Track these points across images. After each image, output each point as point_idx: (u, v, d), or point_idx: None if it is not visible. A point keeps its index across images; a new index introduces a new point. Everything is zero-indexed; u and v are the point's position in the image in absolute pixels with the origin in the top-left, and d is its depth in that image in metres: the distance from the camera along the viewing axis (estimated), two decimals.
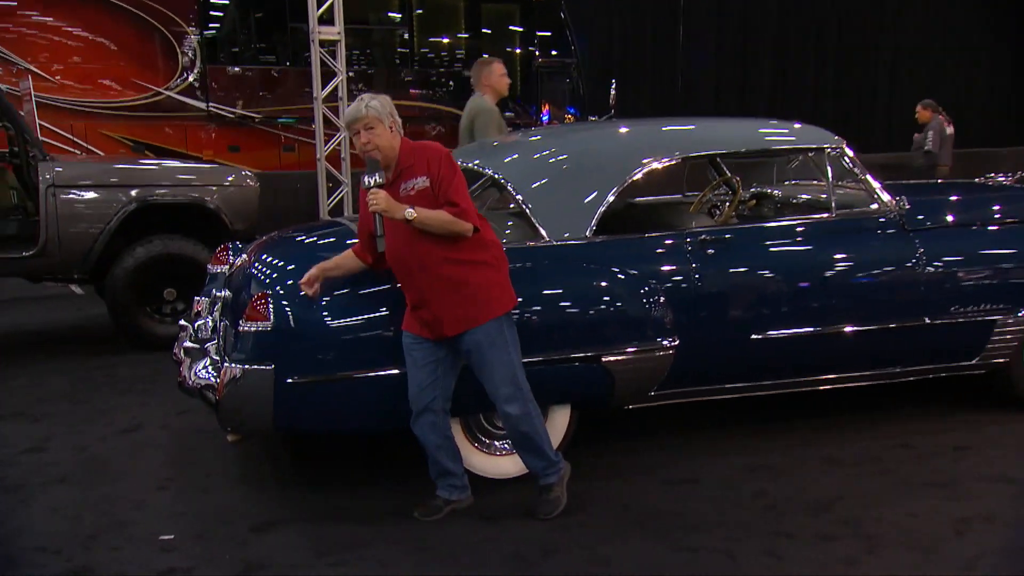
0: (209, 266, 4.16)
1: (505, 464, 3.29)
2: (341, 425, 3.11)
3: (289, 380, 2.93)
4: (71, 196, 5.27)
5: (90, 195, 5.31)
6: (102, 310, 6.75)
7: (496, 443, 3.31)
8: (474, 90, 4.90)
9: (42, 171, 5.27)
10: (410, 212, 2.76)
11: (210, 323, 3.71)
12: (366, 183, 2.79)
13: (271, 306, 2.94)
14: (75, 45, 8.99)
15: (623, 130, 3.94)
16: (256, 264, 3.46)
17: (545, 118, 12.03)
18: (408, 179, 2.86)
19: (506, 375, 2.90)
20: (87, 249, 5.26)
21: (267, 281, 3.20)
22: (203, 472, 3.52)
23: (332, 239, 3.55)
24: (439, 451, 3.03)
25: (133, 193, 5.36)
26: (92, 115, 8.68)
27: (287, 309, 2.97)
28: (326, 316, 2.99)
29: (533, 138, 4.18)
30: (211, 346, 3.49)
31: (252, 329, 2.95)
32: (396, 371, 2.99)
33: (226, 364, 2.96)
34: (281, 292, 3.01)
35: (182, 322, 3.83)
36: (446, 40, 11.65)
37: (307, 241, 3.40)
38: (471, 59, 11.98)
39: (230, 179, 5.65)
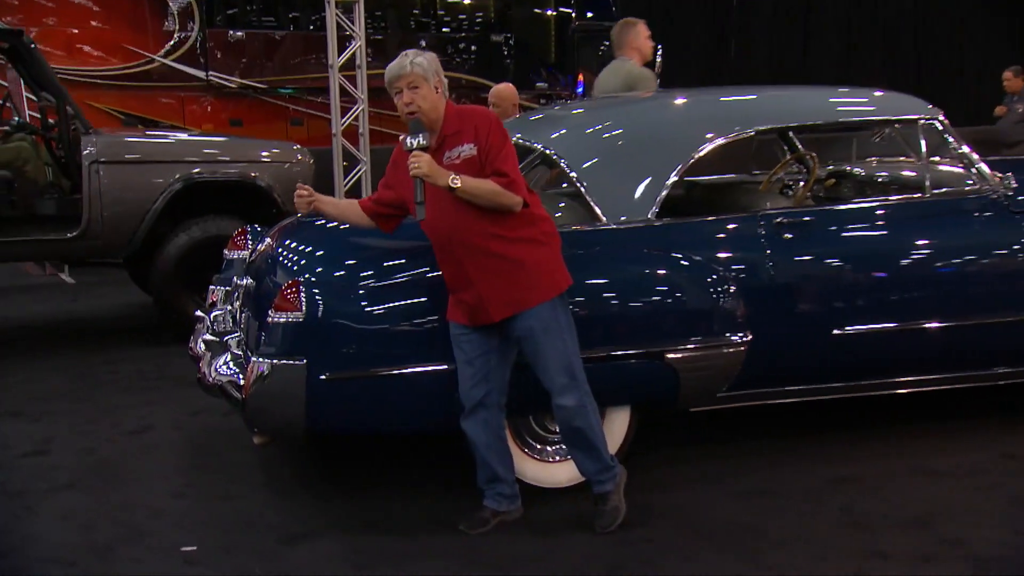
0: (226, 251, 4.25)
1: (558, 472, 3.34)
2: (381, 426, 3.17)
3: (323, 376, 3.00)
4: (115, 172, 5.37)
5: (136, 171, 5.42)
6: (99, 301, 6.92)
7: (549, 448, 3.36)
8: (616, 54, 4.80)
9: (85, 145, 5.37)
10: (454, 179, 2.79)
11: (230, 314, 3.79)
12: (407, 144, 2.82)
13: (303, 295, 3.00)
14: (55, 6, 9.02)
15: (682, 101, 3.96)
16: (282, 250, 3.52)
17: (580, 90, 11.99)
18: (453, 146, 2.89)
19: (561, 363, 2.95)
20: (132, 230, 5.35)
21: (297, 268, 3.26)
22: (224, 477, 3.60)
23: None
24: (490, 452, 3.08)
25: (181, 169, 5.47)
26: (76, 84, 8.77)
27: (321, 298, 3.03)
28: (364, 305, 3.05)
29: (581, 111, 4.22)
30: (232, 339, 3.56)
31: (282, 320, 3.02)
32: (444, 366, 3.05)
33: (253, 359, 3.03)
34: (313, 280, 3.07)
35: (198, 313, 3.91)
36: (469, 2, 11.64)
37: (337, 226, 3.47)
38: (498, 23, 11.99)
39: (283, 155, 5.74)
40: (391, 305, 3.07)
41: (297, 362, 3.00)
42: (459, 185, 2.79)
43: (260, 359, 3.03)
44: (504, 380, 3.04)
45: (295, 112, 12.14)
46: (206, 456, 3.85)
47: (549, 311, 2.93)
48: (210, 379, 3.38)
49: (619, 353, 3.22)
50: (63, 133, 5.64)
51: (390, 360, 3.04)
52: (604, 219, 3.37)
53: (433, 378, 3.07)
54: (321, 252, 3.33)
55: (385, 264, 3.14)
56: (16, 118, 6.03)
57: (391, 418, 3.13)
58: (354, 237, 3.28)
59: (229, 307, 3.96)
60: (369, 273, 3.12)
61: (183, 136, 6.84)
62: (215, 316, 3.88)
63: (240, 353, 3.47)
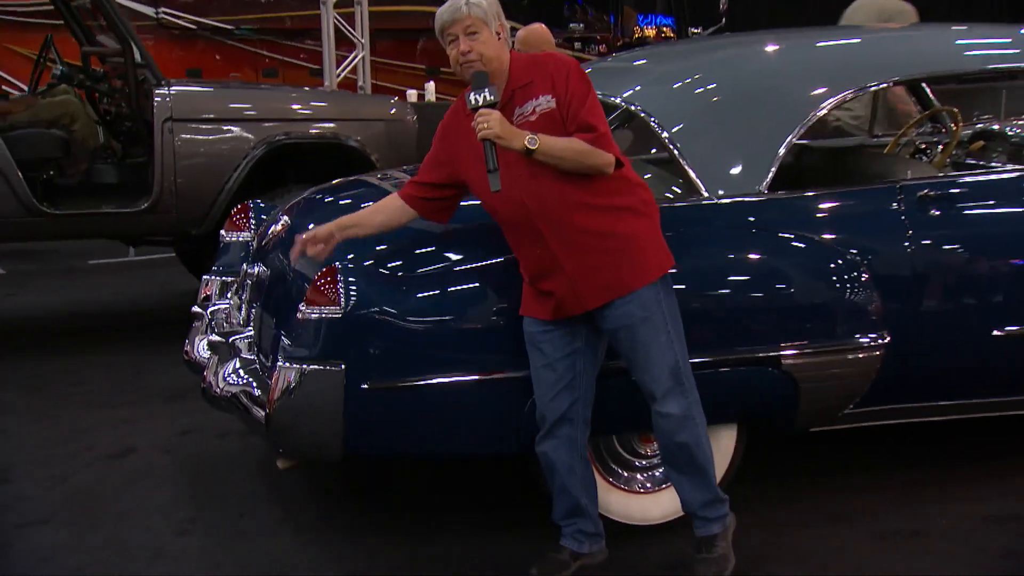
0: (223, 233, 4.31)
1: (649, 506, 3.38)
2: (436, 448, 3.21)
3: (365, 385, 3.03)
4: (193, 132, 5.47)
5: (216, 131, 5.54)
6: (45, 296, 7.00)
7: (638, 476, 3.40)
8: None
9: (157, 99, 5.45)
10: (531, 139, 2.79)
11: (235, 309, 3.84)
12: (471, 101, 2.83)
13: (341, 285, 3.04)
14: None
15: (790, 47, 3.98)
16: (302, 228, 3.56)
17: (639, 26, 12.00)
18: (525, 100, 2.90)
19: (665, 361, 2.97)
20: (210, 202, 5.46)
21: (334, 251, 3.30)
22: (234, 511, 3.66)
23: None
24: (571, 478, 3.10)
25: (266, 129, 5.58)
26: None
27: (363, 288, 3.06)
28: (417, 297, 3.08)
29: (658, 61, 4.24)
30: (241, 340, 3.62)
31: (315, 317, 3.05)
32: (515, 374, 3.09)
33: (280, 365, 3.07)
34: (352, 266, 3.10)
35: (195, 309, 3.97)
36: None
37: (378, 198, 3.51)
38: None
39: (380, 111, 5.83)
40: (450, 297, 3.10)
41: (334, 368, 3.03)
42: (537, 146, 2.80)
43: (287, 364, 3.07)
44: (591, 388, 3.07)
45: (269, 60, 12.14)
46: (207, 485, 3.91)
47: (653, 296, 2.96)
48: (218, 390, 3.43)
49: (723, 358, 3.25)
50: (131, 85, 5.72)
51: (449, 365, 3.08)
52: (704, 192, 3.40)
53: (505, 389, 3.11)
54: None
55: (442, 246, 3.19)
56: (60, 66, 6.15)
57: (449, 438, 3.17)
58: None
59: (232, 300, 4.02)
60: (422, 257, 3.16)
61: (267, 89, 6.97)
62: (213, 312, 3.94)
63: (252, 358, 3.53)
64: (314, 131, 5.67)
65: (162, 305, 6.80)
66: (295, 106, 5.84)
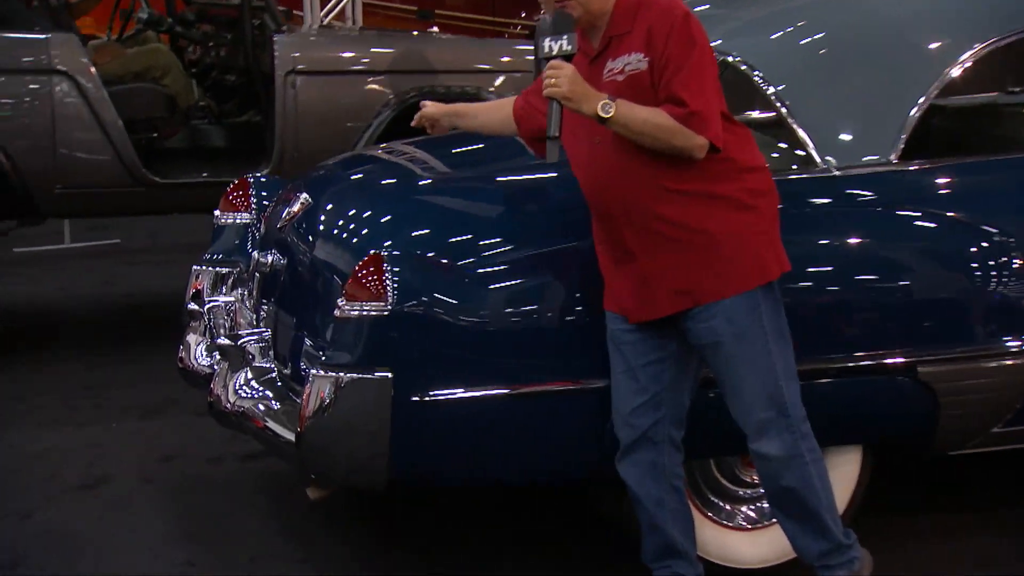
0: (218, 214, 4.33)
1: (758, 544, 3.39)
2: (500, 472, 3.23)
3: (416, 397, 3.05)
4: (320, 86, 5.59)
5: (346, 84, 5.67)
6: None
7: (743, 509, 3.42)
8: None
9: (279, 49, 5.52)
10: (606, 105, 2.77)
11: (245, 306, 3.85)
12: (545, 48, 2.83)
13: (388, 276, 3.04)
14: None
15: None
16: (337, 206, 3.59)
17: None
18: (619, 53, 2.90)
19: (762, 389, 2.97)
20: None
21: (374, 233, 3.33)
22: (241, 552, 3.68)
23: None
24: (661, 512, 3.11)
25: (398, 82, 5.71)
26: None
27: (415, 280, 3.07)
28: (481, 292, 3.10)
29: (765, 3, 4.24)
30: (252, 344, 3.62)
31: (356, 314, 3.06)
32: (598, 383, 3.10)
33: (314, 374, 3.09)
34: (399, 253, 3.11)
35: (192, 306, 3.98)
36: None
37: (424, 164, 3.52)
38: None
39: (519, 60, 6.01)
40: (521, 290, 3.12)
41: (379, 376, 3.04)
42: (612, 114, 2.78)
43: (323, 373, 3.08)
44: (683, 404, 3.09)
45: None
46: (204, 520, 3.92)
47: (746, 308, 2.93)
48: (229, 404, 3.44)
49: (845, 367, 3.26)
50: (245, 32, 5.82)
51: (519, 373, 3.10)
52: (820, 161, 3.41)
53: (587, 401, 3.13)
54: (410, 207, 3.38)
55: (511, 228, 3.21)
56: (146, 10, 6.28)
57: (518, 461, 3.19)
58: (463, 181, 3.40)
59: (233, 296, 4.04)
60: (489, 240, 3.19)
61: (397, 36, 7.11)
62: (213, 310, 3.95)
63: (267, 365, 3.54)
64: (455, 84, 5.80)
65: (114, 302, 6.81)
66: (432, 55, 5.98)
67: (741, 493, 3.43)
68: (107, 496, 4.14)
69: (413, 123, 3.41)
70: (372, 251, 3.13)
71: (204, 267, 4.26)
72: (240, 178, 4.42)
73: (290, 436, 3.17)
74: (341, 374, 3.06)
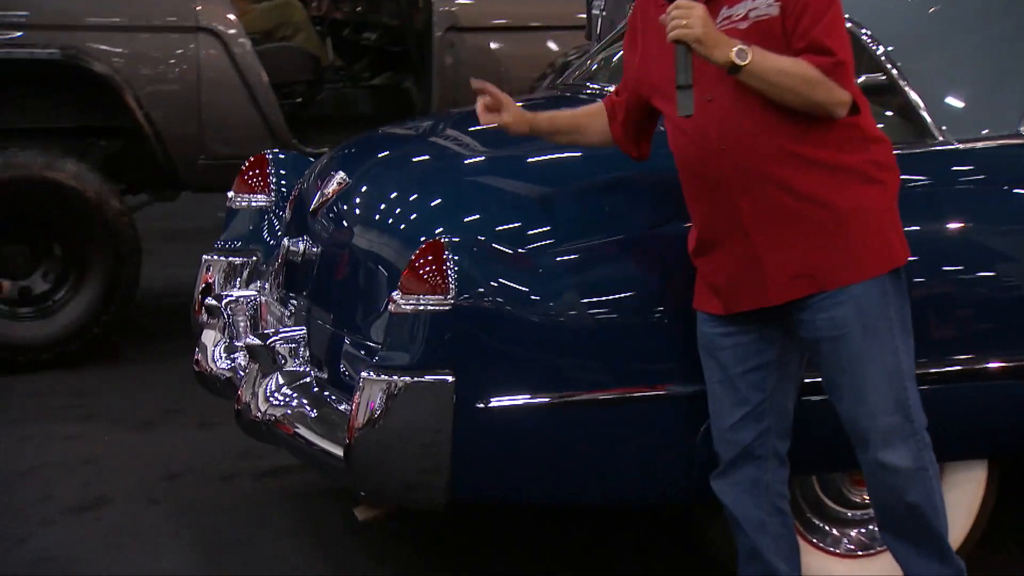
0: (231, 195, 4.37)
1: (870, 574, 3.43)
2: (575, 490, 3.27)
3: (481, 404, 3.09)
4: (481, 45, 5.73)
5: (509, 43, 5.81)
6: None
7: (851, 533, 3.46)
8: None
9: (437, 4, 5.66)
10: (741, 52, 2.79)
11: (275, 299, 3.88)
12: None
13: (450, 266, 3.07)
14: None
15: None
16: (381, 186, 3.64)
17: None
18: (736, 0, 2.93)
19: (890, 390, 2.98)
20: None
21: (430, 218, 3.37)
22: None
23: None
24: (762, 537, 3.13)
25: (567, 41, 5.84)
26: None
27: (481, 271, 3.11)
28: (555, 284, 3.14)
29: None
30: (282, 343, 3.65)
31: (412, 309, 3.09)
32: (689, 388, 3.14)
33: (364, 377, 3.11)
34: (465, 241, 3.15)
35: (209, 301, 4.01)
36: None
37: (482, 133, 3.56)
38: None
39: None
40: (601, 282, 3.15)
41: (439, 380, 3.08)
42: (748, 61, 2.80)
43: (374, 377, 3.12)
44: (788, 413, 3.11)
45: None
46: (223, 546, 3.98)
47: (877, 297, 2.96)
48: (259, 413, 3.48)
49: (971, 368, 3.28)
50: None
51: (599, 377, 3.14)
52: (937, 132, 3.44)
53: (676, 409, 3.17)
54: (470, 188, 3.45)
55: (590, 212, 3.24)
56: None
57: (596, 477, 3.22)
58: (530, 155, 3.38)
59: (254, 289, 4.07)
60: (564, 224, 3.22)
61: None
62: (232, 305, 3.98)
63: (301, 369, 3.57)
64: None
65: None
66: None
67: (849, 515, 3.46)
68: (109, 519, 4.19)
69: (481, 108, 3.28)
70: (430, 238, 3.17)
71: (216, 257, 4.31)
72: (257, 154, 4.45)
73: (336, 449, 3.20)
74: (395, 377, 3.10)
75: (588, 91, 4.15)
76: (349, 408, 3.30)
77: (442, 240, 3.13)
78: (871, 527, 3.43)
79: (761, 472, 3.11)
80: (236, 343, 3.91)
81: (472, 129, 3.79)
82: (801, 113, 2.89)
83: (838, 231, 2.94)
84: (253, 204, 4.34)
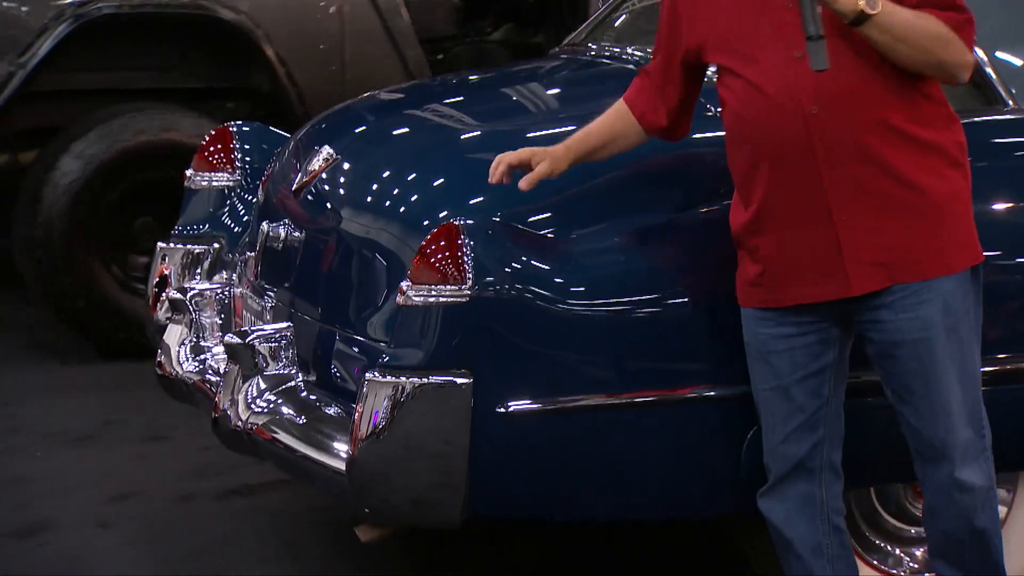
0: (190, 173, 4.38)
1: None
2: (610, 506, 3.32)
3: (502, 408, 3.13)
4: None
5: None
6: None
7: (914, 552, 3.53)
8: None
9: None
10: (871, 0, 2.83)
11: (246, 293, 3.90)
12: None
13: (467, 252, 3.10)
14: None
15: None
16: (377, 165, 3.67)
17: None
18: None
19: (967, 399, 3.05)
20: None
21: (446, 199, 3.41)
22: None
23: None
24: (818, 560, 3.17)
25: None
26: None
27: (501, 257, 3.15)
28: (585, 272, 3.19)
29: None
30: (261, 342, 3.66)
31: (422, 301, 3.13)
32: (737, 389, 3.20)
33: (370, 379, 3.14)
34: (482, 224, 3.18)
35: (173, 295, 4.02)
36: None
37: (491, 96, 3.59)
38: None
39: None
40: (637, 271, 3.21)
41: (455, 381, 3.12)
42: (878, 10, 2.82)
43: (380, 377, 3.14)
44: (841, 418, 3.16)
45: None
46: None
47: (962, 295, 3.02)
48: (241, 422, 3.50)
49: None
50: None
51: (641, 378, 3.19)
52: (1010, 100, 3.53)
53: (719, 413, 3.24)
54: (487, 163, 3.44)
55: (630, 186, 3.30)
56: None
57: (633, 490, 3.28)
58: (551, 123, 3.52)
59: (222, 280, 4.09)
60: (593, 209, 3.28)
61: None
62: (195, 298, 3.99)
63: (285, 372, 3.60)
64: None
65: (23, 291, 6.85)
66: None
67: (912, 532, 3.54)
68: (54, 546, 4.20)
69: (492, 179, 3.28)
70: (441, 221, 3.22)
71: (173, 244, 4.32)
72: (219, 127, 4.48)
73: (336, 462, 3.23)
74: (405, 379, 3.13)
75: (591, 53, 4.24)
76: (340, 413, 3.37)
77: (456, 223, 3.16)
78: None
79: (814, 487, 3.16)
80: (203, 343, 3.94)
81: (476, 95, 3.86)
82: (901, 82, 2.93)
83: (930, 218, 2.99)
84: (215, 184, 4.36)
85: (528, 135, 3.70)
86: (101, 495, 4.55)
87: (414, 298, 3.14)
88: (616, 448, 3.24)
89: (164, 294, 4.19)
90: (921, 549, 3.54)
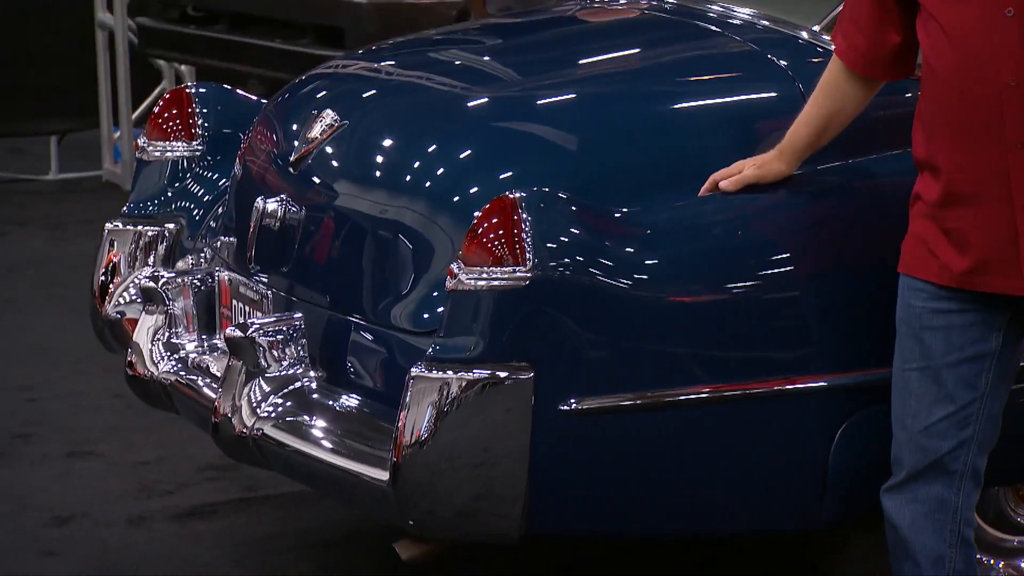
0: (142, 143, 4.39)
1: None
2: (687, 518, 3.42)
3: (566, 405, 3.21)
4: None
5: None
6: None
7: (1019, 564, 3.66)
8: None
9: None
10: None
11: (223, 278, 3.96)
12: None
13: (528, 230, 3.17)
14: None
15: None
16: (405, 131, 3.75)
17: None
18: None
19: None
20: None
21: (498, 170, 3.50)
22: None
23: None
24: (937, 570, 3.25)
25: None
26: None
27: (568, 237, 3.22)
28: (663, 250, 3.29)
29: None
30: (264, 335, 3.70)
31: (475, 286, 3.19)
32: (820, 381, 3.33)
33: (416, 374, 3.18)
34: (547, 200, 3.25)
35: (146, 282, 4.02)
36: None
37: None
38: None
39: None
40: (731, 243, 3.35)
41: (515, 376, 3.19)
42: None
43: (426, 373, 3.19)
44: (997, 421, 3.24)
45: None
46: None
47: None
48: (246, 428, 3.52)
49: None
50: None
51: (725, 369, 3.30)
52: None
53: (806, 407, 3.36)
54: (544, 122, 3.60)
55: (714, 154, 3.40)
56: None
57: (718, 500, 3.39)
58: (616, 72, 3.63)
59: (192, 267, 4.13)
60: (675, 171, 3.42)
61: None
62: (167, 286, 4.00)
63: (293, 368, 3.64)
64: None
65: None
66: None
67: (1015, 543, 3.68)
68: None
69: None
70: (493, 193, 3.27)
71: (123, 226, 4.33)
72: (175, 88, 4.50)
73: (377, 472, 3.26)
74: (455, 373, 3.18)
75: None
76: (365, 412, 3.47)
77: (512, 195, 3.22)
78: None
79: (951, 492, 3.22)
80: (176, 340, 3.97)
81: (516, 42, 3.91)
82: None
83: None
84: (171, 154, 4.35)
85: (590, 85, 3.82)
86: (35, 519, 4.52)
87: (466, 282, 3.19)
88: (700, 452, 3.36)
89: (113, 285, 4.22)
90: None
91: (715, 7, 4.01)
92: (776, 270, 3.36)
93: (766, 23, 3.90)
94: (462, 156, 3.66)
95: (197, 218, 4.34)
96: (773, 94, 3.58)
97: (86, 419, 5.43)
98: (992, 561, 3.68)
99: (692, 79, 3.78)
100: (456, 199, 3.48)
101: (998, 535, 3.67)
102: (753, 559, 4.04)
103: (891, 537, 3.27)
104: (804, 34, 3.76)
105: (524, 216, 3.19)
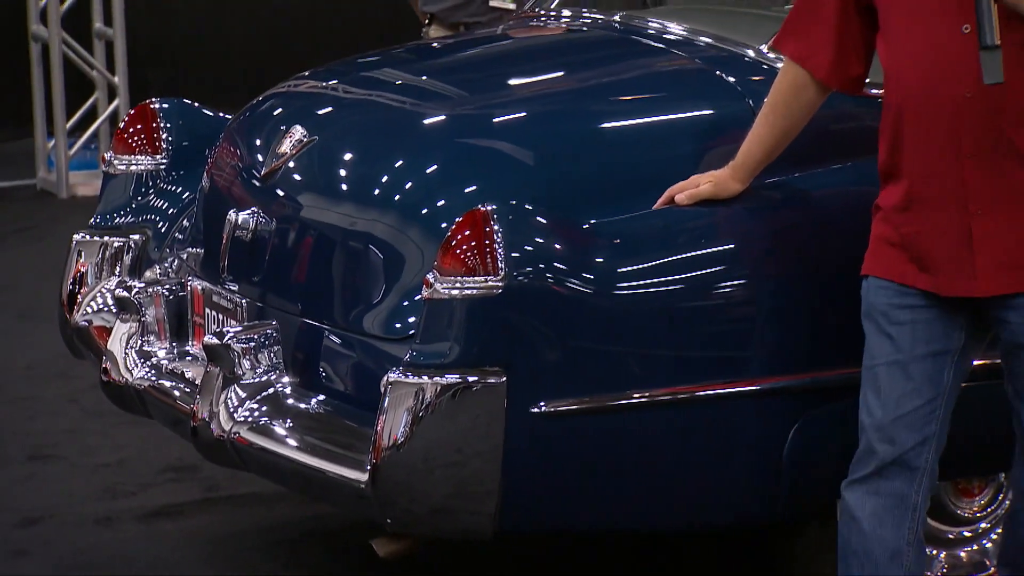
0: (109, 156, 4.43)
1: None
2: (653, 514, 3.49)
3: (536, 408, 3.28)
4: None
5: None
6: None
7: (959, 553, 3.78)
8: None
9: None
10: None
11: (195, 287, 3.99)
12: None
13: (500, 240, 3.24)
14: None
15: None
16: (363, 142, 3.80)
17: None
18: None
19: None
20: None
21: (471, 182, 3.55)
22: None
23: None
24: (894, 568, 3.30)
25: None
26: None
27: (539, 246, 3.30)
28: (629, 258, 3.36)
29: None
30: (240, 342, 3.74)
31: (450, 295, 3.26)
32: (776, 381, 3.40)
33: (393, 379, 3.26)
34: (517, 210, 3.32)
35: (119, 292, 4.07)
36: None
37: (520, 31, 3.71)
38: None
39: None
40: (695, 251, 3.42)
41: (488, 381, 3.25)
42: None
43: (403, 378, 3.26)
44: (947, 423, 3.31)
45: None
46: None
47: None
48: (224, 431, 3.58)
49: None
50: None
51: (688, 372, 3.37)
52: None
53: (764, 406, 3.43)
54: (511, 136, 3.67)
55: (677, 156, 3.52)
56: None
57: (686, 496, 3.47)
58: (583, 84, 3.67)
59: (161, 277, 4.17)
60: (642, 182, 3.46)
61: None
62: (140, 296, 4.04)
63: (269, 373, 3.69)
64: None
65: None
66: None
67: (950, 535, 3.80)
68: None
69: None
70: (464, 206, 3.34)
71: (90, 237, 4.37)
72: (140, 104, 4.54)
73: (355, 473, 3.33)
74: (431, 378, 3.25)
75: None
76: (337, 415, 3.53)
77: (484, 208, 3.28)
78: (974, 547, 3.77)
79: (911, 489, 3.29)
80: (148, 347, 4.02)
81: (472, 61, 3.97)
82: None
83: None
84: (136, 167, 4.40)
85: (558, 99, 3.90)
86: (7, 520, 4.56)
87: (441, 291, 3.26)
88: (665, 450, 3.43)
89: (81, 294, 4.27)
90: (963, 551, 3.78)
91: (656, 24, 4.12)
92: (732, 279, 3.45)
93: (709, 40, 3.97)
94: (429, 171, 3.72)
95: (162, 229, 4.39)
96: (725, 110, 3.67)
97: (42, 423, 5.45)
98: (934, 552, 3.77)
99: (645, 96, 3.88)
100: (425, 211, 3.55)
101: (939, 527, 3.77)
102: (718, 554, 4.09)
103: (847, 532, 3.33)
104: (751, 52, 3.83)
105: (496, 228, 3.26)
